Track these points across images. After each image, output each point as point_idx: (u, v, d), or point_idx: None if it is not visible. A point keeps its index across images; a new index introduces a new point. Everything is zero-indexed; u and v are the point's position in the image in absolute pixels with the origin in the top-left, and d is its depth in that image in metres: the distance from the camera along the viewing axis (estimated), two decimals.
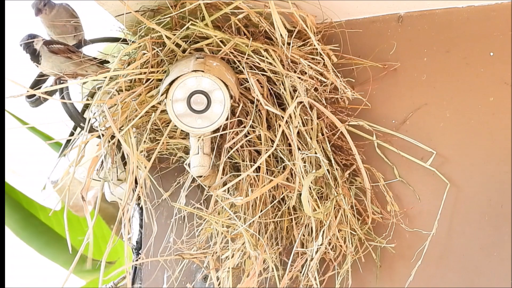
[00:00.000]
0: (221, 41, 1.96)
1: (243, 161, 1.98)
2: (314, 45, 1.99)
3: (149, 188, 2.05)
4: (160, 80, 1.95)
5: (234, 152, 1.97)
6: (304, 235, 1.97)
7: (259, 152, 1.98)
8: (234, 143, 1.95)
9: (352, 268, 1.98)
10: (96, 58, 2.02)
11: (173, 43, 1.96)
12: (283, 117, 1.91)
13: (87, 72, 1.98)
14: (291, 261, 1.92)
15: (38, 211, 3.26)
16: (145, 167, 1.91)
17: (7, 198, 3.16)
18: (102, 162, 1.99)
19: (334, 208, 1.94)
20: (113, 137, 1.91)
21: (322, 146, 1.98)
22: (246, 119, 1.96)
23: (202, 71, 1.87)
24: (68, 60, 1.98)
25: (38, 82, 2.07)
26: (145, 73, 1.94)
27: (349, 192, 2.00)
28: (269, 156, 1.95)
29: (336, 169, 1.98)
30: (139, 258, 2.09)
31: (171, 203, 2.07)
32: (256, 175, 1.93)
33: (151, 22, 1.94)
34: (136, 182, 1.90)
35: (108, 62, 2.04)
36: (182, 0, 1.97)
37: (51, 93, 2.00)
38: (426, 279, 1.98)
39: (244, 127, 1.94)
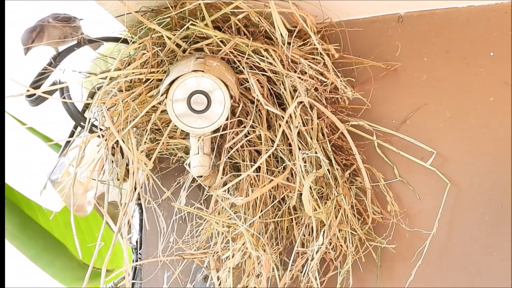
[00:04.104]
0: (221, 41, 1.96)
1: (243, 161, 1.98)
2: (314, 45, 1.99)
3: (150, 188, 2.05)
4: (160, 80, 1.95)
5: (234, 152, 1.97)
6: (304, 235, 1.96)
7: (259, 152, 1.98)
8: (234, 143, 1.94)
9: (353, 268, 1.98)
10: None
11: (173, 43, 1.95)
12: (283, 117, 1.91)
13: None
14: (292, 261, 1.92)
15: (37, 213, 3.24)
16: (146, 166, 1.91)
17: (5, 200, 3.15)
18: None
19: (335, 208, 1.94)
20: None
21: (323, 146, 1.98)
22: (246, 119, 1.96)
23: (202, 71, 1.87)
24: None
25: (38, 81, 2.06)
26: (145, 73, 1.94)
27: (350, 192, 1.99)
28: (269, 156, 1.94)
29: (337, 169, 1.98)
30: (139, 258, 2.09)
31: (172, 203, 2.06)
32: (256, 175, 1.93)
33: (151, 22, 1.94)
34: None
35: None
36: (182, 0, 1.97)
37: (51, 92, 1.99)
38: (426, 279, 1.97)
39: (244, 127, 1.94)
